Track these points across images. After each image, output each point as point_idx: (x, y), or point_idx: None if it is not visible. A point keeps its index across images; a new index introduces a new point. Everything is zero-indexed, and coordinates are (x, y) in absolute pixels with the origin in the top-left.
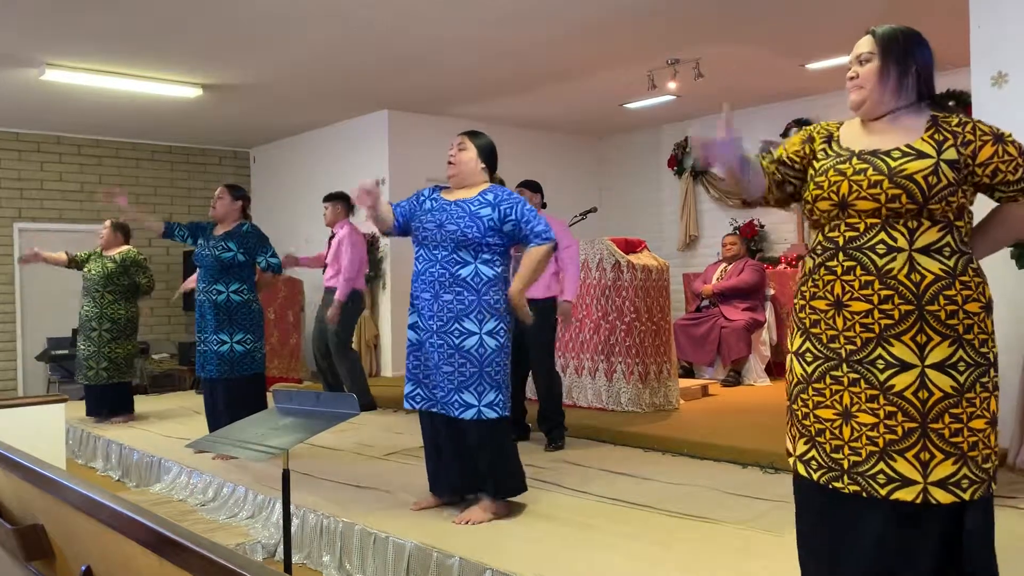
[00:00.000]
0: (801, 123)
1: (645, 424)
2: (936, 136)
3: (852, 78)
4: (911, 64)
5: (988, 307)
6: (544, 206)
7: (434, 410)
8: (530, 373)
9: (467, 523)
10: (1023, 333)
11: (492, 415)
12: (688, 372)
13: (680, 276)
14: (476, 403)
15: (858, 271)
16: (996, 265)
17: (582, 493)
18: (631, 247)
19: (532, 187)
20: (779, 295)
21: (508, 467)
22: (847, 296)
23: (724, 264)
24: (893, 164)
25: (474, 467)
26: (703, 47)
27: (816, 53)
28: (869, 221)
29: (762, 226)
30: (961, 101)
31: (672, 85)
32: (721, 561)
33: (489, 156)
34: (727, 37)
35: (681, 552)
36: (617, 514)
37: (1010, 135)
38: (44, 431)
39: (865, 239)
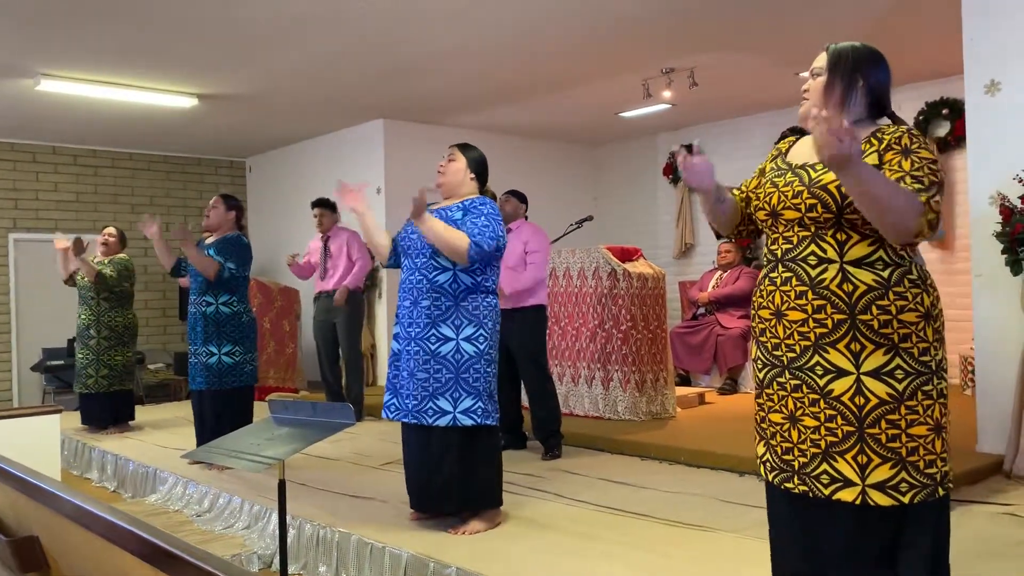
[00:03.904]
0: (795, 131)
1: (642, 432)
2: (864, 147)
3: (804, 91)
4: (858, 80)
5: (927, 316)
6: (526, 218)
7: (405, 420)
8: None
9: (463, 533)
10: (1018, 342)
11: (468, 422)
12: (685, 380)
13: (676, 284)
14: (451, 409)
15: (794, 281)
16: (992, 272)
17: (579, 502)
18: (627, 255)
19: (518, 196)
20: None
21: (480, 479)
22: (785, 306)
23: (720, 272)
24: (814, 175)
25: (445, 481)
26: (698, 56)
27: (809, 62)
28: (801, 234)
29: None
30: (955, 109)
31: (667, 94)
32: (719, 569)
33: (478, 168)
34: (721, 46)
35: (679, 561)
36: (614, 523)
37: (926, 152)
38: (39, 442)
39: (798, 251)
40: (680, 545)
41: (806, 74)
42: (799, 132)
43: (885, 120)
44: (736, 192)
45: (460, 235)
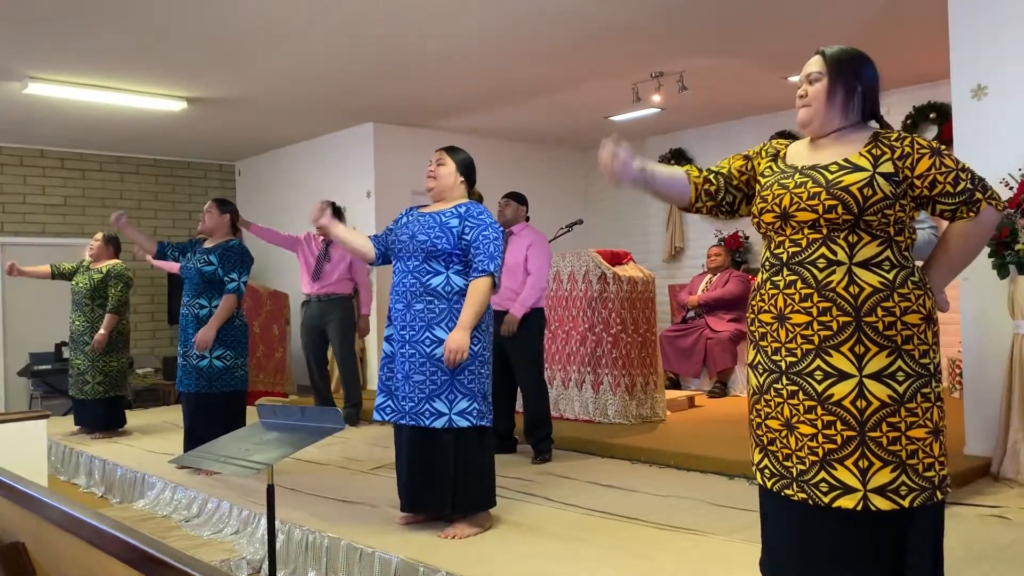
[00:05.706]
0: (784, 135)
1: (632, 436)
2: (874, 151)
3: (801, 96)
4: (857, 84)
5: (928, 319)
6: (527, 219)
7: (402, 422)
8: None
9: (453, 537)
10: (1005, 345)
11: (464, 423)
12: (674, 383)
13: (666, 287)
14: (447, 411)
15: (799, 284)
16: (979, 275)
17: (569, 506)
18: (617, 259)
19: (518, 199)
20: None
21: (475, 480)
22: (788, 309)
23: (709, 275)
24: (831, 177)
25: (443, 481)
26: (687, 60)
27: (798, 66)
28: (811, 236)
29: (747, 237)
30: (942, 113)
31: (656, 98)
32: (708, 572)
33: (467, 170)
34: (710, 50)
35: (668, 564)
36: (604, 526)
37: (947, 149)
38: (26, 447)
39: (807, 254)
40: (670, 548)
41: (796, 78)
42: (787, 136)
43: (874, 124)
44: (708, 169)
45: (480, 290)
